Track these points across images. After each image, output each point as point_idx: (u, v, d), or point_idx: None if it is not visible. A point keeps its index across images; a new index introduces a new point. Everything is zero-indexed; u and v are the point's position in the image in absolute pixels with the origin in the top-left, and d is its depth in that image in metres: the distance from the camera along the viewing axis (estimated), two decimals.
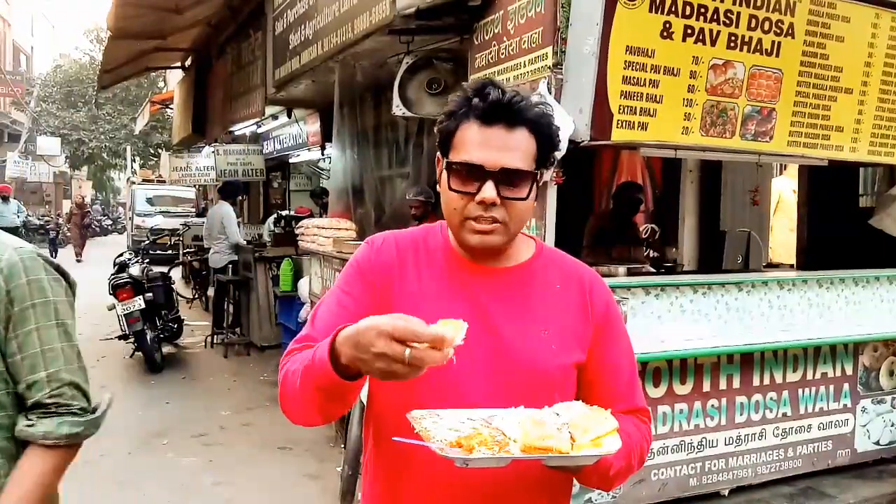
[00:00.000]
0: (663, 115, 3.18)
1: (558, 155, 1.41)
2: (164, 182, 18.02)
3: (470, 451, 1.08)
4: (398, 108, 4.32)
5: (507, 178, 1.28)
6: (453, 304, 1.33)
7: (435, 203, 5.88)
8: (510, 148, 1.28)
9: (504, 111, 1.28)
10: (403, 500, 1.37)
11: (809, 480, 3.95)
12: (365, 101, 6.25)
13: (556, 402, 1.24)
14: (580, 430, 1.13)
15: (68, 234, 20.50)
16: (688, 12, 3.12)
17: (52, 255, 15.18)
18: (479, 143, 1.29)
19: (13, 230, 15.06)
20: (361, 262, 1.42)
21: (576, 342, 1.37)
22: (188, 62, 9.99)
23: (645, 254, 5.58)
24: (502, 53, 3.51)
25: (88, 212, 21.89)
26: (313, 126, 8.32)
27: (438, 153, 1.38)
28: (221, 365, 7.56)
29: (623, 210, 5.50)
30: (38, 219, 22.07)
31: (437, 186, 1.40)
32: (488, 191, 1.27)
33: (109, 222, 32.02)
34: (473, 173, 1.28)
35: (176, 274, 10.56)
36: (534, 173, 1.31)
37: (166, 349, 7.77)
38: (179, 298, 9.08)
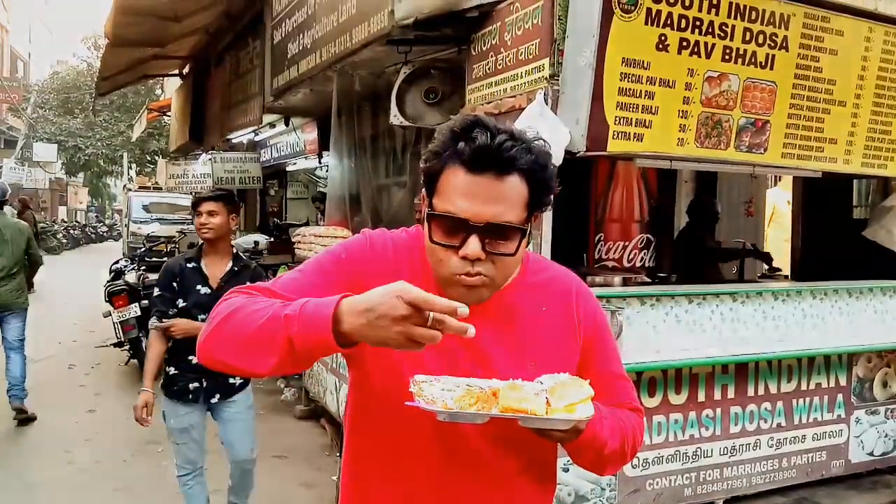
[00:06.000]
0: (659, 126, 3.20)
1: (551, 197, 1.30)
2: (160, 189, 17.95)
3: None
4: (396, 118, 4.34)
5: (493, 232, 1.18)
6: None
7: None
8: (498, 199, 1.17)
9: (493, 158, 1.17)
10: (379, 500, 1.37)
11: (804, 491, 3.96)
12: (363, 110, 6.26)
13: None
14: (556, 396, 1.17)
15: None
16: (683, 25, 3.15)
17: None
18: (463, 193, 1.17)
19: None
20: (350, 254, 1.33)
21: (563, 365, 1.33)
22: (186, 70, 10.04)
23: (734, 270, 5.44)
24: (499, 64, 3.54)
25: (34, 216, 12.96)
26: (310, 134, 8.33)
27: (423, 191, 1.26)
28: None
29: (699, 224, 5.32)
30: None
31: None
32: (472, 246, 1.17)
33: (105, 229, 32.04)
34: (457, 226, 1.18)
35: None
36: (523, 229, 1.21)
37: None
38: None
